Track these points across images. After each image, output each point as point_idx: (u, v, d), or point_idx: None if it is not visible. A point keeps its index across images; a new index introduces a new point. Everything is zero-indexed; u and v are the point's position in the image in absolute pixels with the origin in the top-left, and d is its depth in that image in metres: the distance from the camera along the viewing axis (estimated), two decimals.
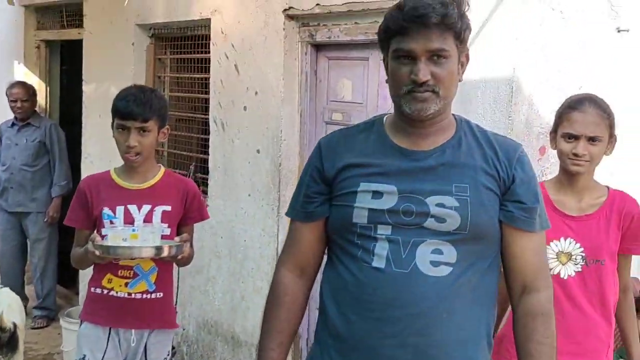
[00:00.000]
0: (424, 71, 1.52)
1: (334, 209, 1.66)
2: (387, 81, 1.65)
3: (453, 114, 1.68)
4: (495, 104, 2.60)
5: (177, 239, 2.50)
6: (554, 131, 2.23)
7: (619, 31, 2.91)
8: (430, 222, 1.55)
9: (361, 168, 1.63)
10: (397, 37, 1.55)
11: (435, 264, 1.54)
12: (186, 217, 2.65)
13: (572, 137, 2.14)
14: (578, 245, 2.16)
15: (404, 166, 1.60)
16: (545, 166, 2.63)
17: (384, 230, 1.57)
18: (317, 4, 3.33)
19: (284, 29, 3.54)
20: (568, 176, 2.20)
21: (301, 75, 3.58)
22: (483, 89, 2.64)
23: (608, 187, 2.24)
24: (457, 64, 1.59)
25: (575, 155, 2.13)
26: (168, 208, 2.57)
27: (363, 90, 3.36)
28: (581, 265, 2.16)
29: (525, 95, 2.57)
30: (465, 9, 1.59)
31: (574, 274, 2.16)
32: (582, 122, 2.13)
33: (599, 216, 2.18)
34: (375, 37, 3.06)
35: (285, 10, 3.51)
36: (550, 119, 2.71)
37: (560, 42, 2.64)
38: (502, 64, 2.58)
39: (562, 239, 2.17)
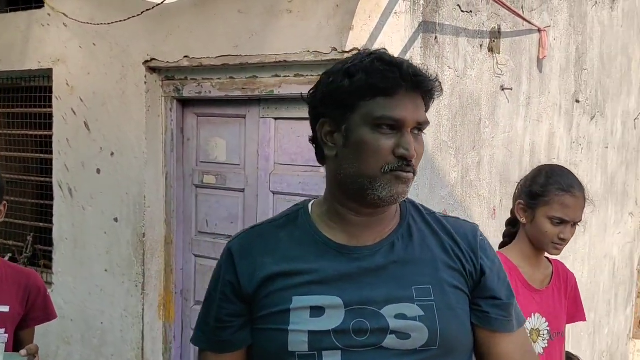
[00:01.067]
0: (413, 145, 1.20)
1: (259, 335, 1.26)
2: (329, 154, 1.25)
3: None
4: None
5: (22, 352, 1.94)
6: (531, 207, 1.99)
7: (502, 89, 2.93)
8: (390, 341, 1.19)
9: (290, 277, 1.23)
10: (378, 98, 1.20)
11: None
12: (28, 318, 2.12)
13: (562, 222, 1.96)
14: (544, 319, 2.00)
15: (346, 269, 1.23)
16: None
17: (331, 358, 1.19)
18: (185, 56, 3.01)
19: (145, 82, 3.16)
20: (536, 252, 2.03)
21: (166, 133, 3.20)
22: None
23: (546, 257, 2.13)
24: None
25: (563, 240, 1.97)
26: (5, 309, 2.04)
27: (240, 150, 3.07)
28: (547, 340, 2.00)
29: (426, 157, 2.44)
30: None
31: (542, 350, 1.99)
32: (574, 208, 1.96)
33: (554, 287, 2.05)
34: (255, 92, 2.90)
35: (146, 62, 3.13)
36: (451, 180, 2.62)
37: (455, 99, 2.57)
38: None
39: (532, 315, 1.99)
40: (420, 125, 1.22)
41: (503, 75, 2.92)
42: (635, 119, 4.77)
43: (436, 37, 2.47)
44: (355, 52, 2.53)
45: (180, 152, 3.23)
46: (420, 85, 1.21)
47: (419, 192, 2.43)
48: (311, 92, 1.29)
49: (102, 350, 3.33)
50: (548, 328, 2.00)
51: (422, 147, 1.24)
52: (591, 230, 4.02)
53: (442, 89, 1.27)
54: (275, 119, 2.94)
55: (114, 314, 3.28)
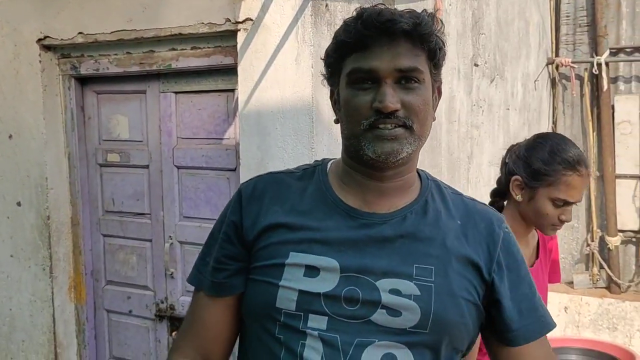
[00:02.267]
0: (391, 96, 1.11)
1: (251, 285, 1.21)
2: (336, 120, 1.24)
3: (418, 170, 1.27)
4: (296, 135, 2.48)
5: None
6: (531, 186, 1.80)
7: (475, 65, 2.99)
8: (379, 316, 1.13)
9: (292, 231, 1.19)
10: (353, 55, 1.15)
11: None
12: None
13: (565, 204, 1.79)
14: None
15: (351, 234, 1.17)
16: None
17: (317, 323, 1.13)
18: (80, 33, 2.94)
19: (40, 61, 3.07)
20: (527, 229, 1.87)
21: (65, 113, 3.13)
22: (282, 121, 2.49)
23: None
24: (432, 93, 1.19)
25: (563, 222, 1.81)
26: None
27: (141, 126, 3.04)
28: None
29: (325, 125, 2.48)
30: (440, 27, 1.19)
31: None
32: (580, 188, 1.79)
33: (541, 261, 1.94)
34: (153, 67, 2.86)
35: (40, 40, 3.04)
36: None
37: None
38: (302, 95, 2.46)
39: None
40: (407, 74, 1.13)
41: None
42: (535, 80, 4.96)
43: (327, 5, 2.50)
44: (248, 22, 2.54)
45: (81, 131, 3.17)
46: (393, 30, 1.12)
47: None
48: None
49: (12, 336, 3.26)
50: None
51: (420, 99, 1.14)
52: None
53: (433, 27, 1.15)
54: (176, 93, 2.92)
55: (22, 299, 3.21)
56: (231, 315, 1.26)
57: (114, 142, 3.12)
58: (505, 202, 1.92)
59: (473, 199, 1.30)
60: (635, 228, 5.22)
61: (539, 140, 1.87)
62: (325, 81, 1.26)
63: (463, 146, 3.66)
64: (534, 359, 1.24)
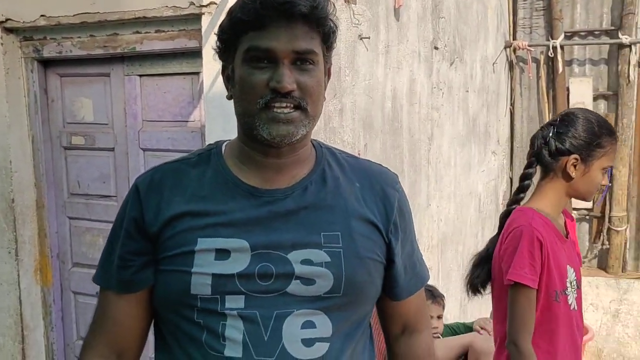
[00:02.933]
0: (288, 77, 1.13)
1: (162, 276, 1.21)
2: (229, 97, 1.24)
3: (312, 140, 1.31)
4: None
5: None
6: (587, 161, 1.90)
7: (361, 38, 3.06)
8: (295, 286, 1.17)
9: (197, 218, 1.19)
10: (249, 33, 1.15)
11: (308, 342, 1.17)
12: None
13: (606, 170, 1.93)
14: (572, 270, 1.95)
15: (256, 212, 1.19)
16: None
17: (234, 303, 1.16)
18: (42, 15, 2.93)
19: (1, 43, 3.05)
20: (566, 201, 1.97)
21: (28, 96, 3.11)
22: None
23: None
24: (324, 75, 1.22)
25: (603, 186, 1.93)
26: None
27: (106, 109, 3.05)
28: (576, 290, 1.97)
29: None
30: (332, 10, 1.22)
31: (575, 302, 1.97)
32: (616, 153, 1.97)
33: (571, 236, 2.02)
34: (117, 50, 2.87)
35: (1, 22, 3.02)
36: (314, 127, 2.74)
37: None
38: None
39: (568, 268, 1.95)
40: (302, 55, 1.16)
41: (360, 25, 3.05)
42: (494, 63, 5.09)
43: None
44: (212, 5, 2.57)
45: (45, 114, 3.16)
46: (291, 12, 1.14)
47: None
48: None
49: None
50: (576, 278, 1.97)
51: (314, 80, 1.17)
52: (456, 169, 4.31)
53: (328, 11, 1.19)
54: (140, 75, 2.94)
55: None
56: (142, 309, 1.26)
57: (78, 124, 3.13)
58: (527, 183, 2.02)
59: (368, 161, 1.36)
60: (589, 206, 5.41)
61: (577, 118, 1.94)
62: (217, 56, 1.26)
63: (424, 128, 3.75)
64: (412, 308, 1.37)
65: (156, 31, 2.79)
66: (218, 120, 2.60)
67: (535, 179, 2.06)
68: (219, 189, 1.22)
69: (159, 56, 2.85)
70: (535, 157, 2.00)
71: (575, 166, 1.90)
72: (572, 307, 1.94)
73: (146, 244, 1.22)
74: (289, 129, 1.16)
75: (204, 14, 2.59)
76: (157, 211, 1.21)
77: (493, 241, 2.10)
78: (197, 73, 2.76)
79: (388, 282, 1.31)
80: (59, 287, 3.28)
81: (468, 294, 2.17)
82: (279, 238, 1.18)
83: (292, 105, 1.15)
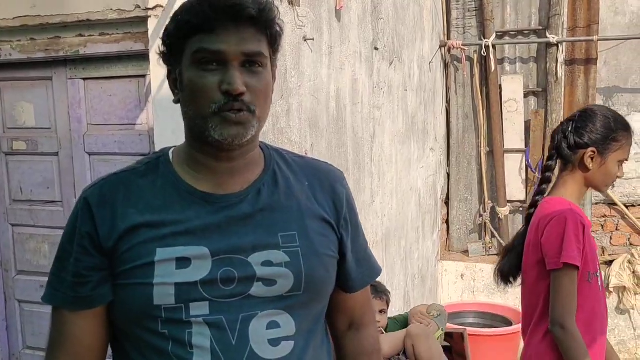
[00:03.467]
0: (239, 79, 1.14)
1: (121, 290, 1.19)
2: (176, 101, 1.24)
3: (259, 142, 1.33)
4: None
5: None
6: (603, 154, 2.05)
7: (305, 40, 3.12)
8: (257, 288, 1.19)
9: (154, 229, 1.18)
10: (198, 35, 1.15)
11: (274, 342, 1.19)
12: None
13: (622, 162, 2.08)
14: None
15: (213, 219, 1.20)
16: None
17: (199, 310, 1.16)
18: None
19: None
20: (585, 191, 2.13)
21: None
22: None
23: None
24: (271, 77, 1.24)
25: (618, 177, 2.08)
26: None
27: (49, 113, 3.00)
28: (599, 272, 2.11)
29: None
30: (278, 13, 1.25)
31: (600, 284, 2.12)
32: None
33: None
34: (59, 53, 2.83)
35: None
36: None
37: None
38: None
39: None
40: (251, 58, 1.17)
41: (304, 27, 3.10)
42: (430, 62, 5.23)
43: None
44: (158, 8, 2.57)
45: None
46: (239, 15, 1.15)
47: None
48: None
49: None
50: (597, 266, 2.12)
51: (262, 83, 1.19)
52: (397, 166, 4.42)
53: (275, 14, 1.22)
54: (85, 79, 2.91)
55: None
56: (100, 325, 1.23)
57: (19, 129, 3.07)
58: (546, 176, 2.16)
59: (314, 159, 1.41)
60: (522, 198, 5.64)
61: (595, 114, 2.09)
62: (162, 60, 1.26)
63: (366, 126, 3.84)
64: (359, 302, 1.43)
65: (100, 34, 2.76)
66: (166, 123, 2.60)
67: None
68: (172, 198, 1.21)
69: (104, 59, 2.83)
70: (555, 150, 2.15)
71: (592, 158, 2.05)
72: (600, 288, 2.10)
73: (102, 259, 1.20)
74: (239, 130, 1.17)
75: (150, 16, 2.59)
76: (112, 225, 1.19)
77: (522, 233, 2.25)
78: (144, 76, 2.75)
79: (342, 276, 1.36)
80: (3, 296, 3.20)
81: (498, 283, 2.32)
82: (239, 242, 1.19)
83: (243, 108, 1.16)
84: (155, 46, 2.59)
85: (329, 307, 1.37)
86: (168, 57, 1.24)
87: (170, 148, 1.31)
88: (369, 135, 3.88)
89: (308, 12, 3.14)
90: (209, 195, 1.22)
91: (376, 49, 3.98)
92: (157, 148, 2.63)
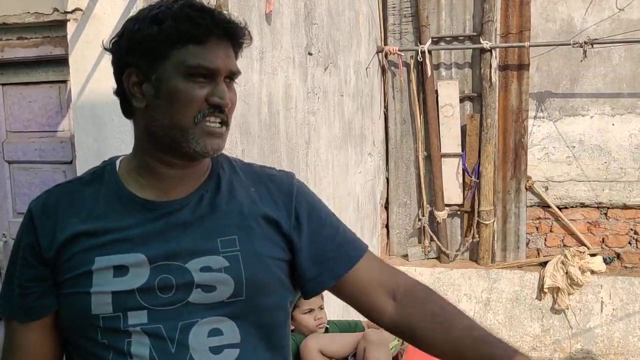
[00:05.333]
0: (227, 93, 1.18)
1: (64, 299, 1.20)
2: (142, 105, 1.20)
3: None
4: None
5: None
6: None
7: (309, 54, 3.08)
8: (196, 295, 1.16)
9: (94, 237, 1.18)
10: (189, 45, 1.16)
11: (216, 350, 1.17)
12: None
13: None
14: None
15: (152, 225, 1.19)
16: None
17: (137, 319, 1.15)
18: None
19: None
20: None
21: None
22: (119, 111, 2.48)
23: None
24: None
25: None
26: None
27: None
28: None
29: None
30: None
31: None
32: None
33: None
34: None
35: None
36: None
37: None
38: None
39: None
40: (233, 74, 1.21)
41: None
42: (367, 68, 5.26)
43: None
44: (78, 12, 2.49)
45: None
46: (231, 33, 1.20)
47: None
48: (114, 40, 1.22)
49: None
50: None
51: (236, 97, 1.24)
52: (334, 171, 4.41)
53: (251, 38, 1.26)
54: (3, 84, 2.80)
55: None
56: (50, 336, 1.24)
57: None
58: None
59: (262, 166, 1.38)
60: (459, 202, 5.72)
61: None
62: (116, 60, 1.23)
63: (301, 132, 3.82)
64: (375, 270, 1.30)
65: (18, 38, 2.66)
66: (89, 130, 2.53)
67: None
68: (114, 205, 1.21)
69: (23, 64, 2.72)
70: None
71: None
72: None
73: (44, 269, 1.20)
74: (220, 142, 1.20)
75: (69, 20, 2.51)
76: (53, 235, 1.19)
77: None
78: (65, 81, 2.66)
79: (297, 278, 1.29)
80: None
81: None
82: (176, 248, 1.18)
83: (223, 121, 1.20)
84: (76, 51, 2.51)
85: (361, 300, 1.29)
86: (137, 59, 1.18)
87: (119, 156, 1.30)
88: (303, 140, 3.86)
89: (237, 17, 3.10)
90: (149, 202, 1.21)
91: (310, 54, 3.97)
92: (79, 156, 2.55)
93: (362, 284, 1.29)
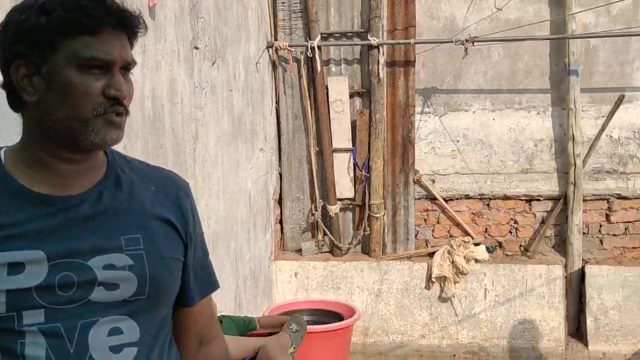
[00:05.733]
0: (124, 84, 1.17)
1: None
2: (33, 99, 1.15)
3: None
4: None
5: None
6: None
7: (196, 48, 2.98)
8: (98, 293, 1.15)
9: None
10: (81, 36, 1.13)
11: (116, 349, 1.16)
12: None
13: None
14: None
15: (50, 221, 1.15)
16: None
17: (33, 318, 1.11)
18: None
19: None
20: None
21: None
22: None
23: None
24: None
25: None
26: None
27: None
28: None
29: None
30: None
31: None
32: None
33: None
34: None
35: None
36: None
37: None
38: None
39: None
40: (128, 65, 1.21)
41: None
42: (257, 63, 5.24)
43: None
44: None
45: None
46: (126, 22, 1.18)
47: None
48: None
49: None
50: None
51: (132, 87, 1.23)
52: (223, 167, 4.37)
53: (146, 27, 1.23)
54: None
55: None
56: None
57: None
58: None
59: (158, 167, 1.40)
60: (351, 196, 5.82)
61: None
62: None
63: (187, 127, 3.75)
64: (204, 315, 1.42)
65: None
66: None
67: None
68: (4, 200, 1.15)
69: None
70: None
71: None
72: None
73: None
74: (119, 133, 1.19)
75: None
76: None
77: None
78: None
79: (182, 283, 1.34)
80: None
81: None
82: (78, 245, 1.15)
83: (123, 112, 1.19)
84: None
85: (175, 329, 1.36)
86: (25, 50, 1.14)
87: (2, 147, 1.24)
88: (190, 136, 3.80)
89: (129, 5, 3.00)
90: (45, 196, 1.17)
91: (196, 48, 3.91)
92: None
93: (194, 315, 1.38)
